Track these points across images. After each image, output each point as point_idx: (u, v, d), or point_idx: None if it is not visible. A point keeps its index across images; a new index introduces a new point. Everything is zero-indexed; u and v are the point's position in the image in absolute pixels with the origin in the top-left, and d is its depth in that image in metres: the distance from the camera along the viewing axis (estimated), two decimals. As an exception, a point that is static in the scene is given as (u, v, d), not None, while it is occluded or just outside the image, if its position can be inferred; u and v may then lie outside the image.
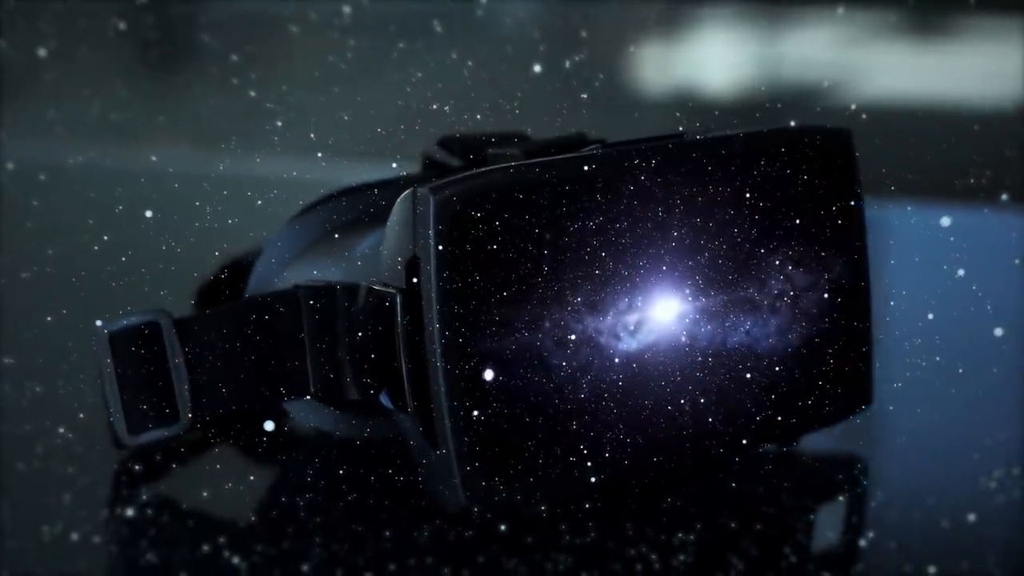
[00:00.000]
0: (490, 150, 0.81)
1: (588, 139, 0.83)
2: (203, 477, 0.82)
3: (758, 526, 0.74)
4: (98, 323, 0.77)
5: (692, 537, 0.73)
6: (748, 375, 0.77)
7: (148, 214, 1.00)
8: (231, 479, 0.82)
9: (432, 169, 0.87)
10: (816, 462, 0.82)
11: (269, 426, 0.81)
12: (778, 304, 0.78)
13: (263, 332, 0.76)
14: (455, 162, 0.85)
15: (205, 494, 0.80)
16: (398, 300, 0.71)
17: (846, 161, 0.81)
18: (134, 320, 0.77)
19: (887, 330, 0.84)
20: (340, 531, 0.73)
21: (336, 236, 0.83)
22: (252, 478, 0.82)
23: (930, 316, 0.98)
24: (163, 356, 0.77)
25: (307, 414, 0.82)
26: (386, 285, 0.72)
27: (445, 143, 0.87)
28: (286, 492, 0.80)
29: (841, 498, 0.79)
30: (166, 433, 0.78)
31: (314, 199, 0.85)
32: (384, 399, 0.74)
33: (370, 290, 0.73)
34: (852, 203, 0.81)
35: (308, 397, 0.77)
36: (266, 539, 0.73)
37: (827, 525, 0.76)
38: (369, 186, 0.85)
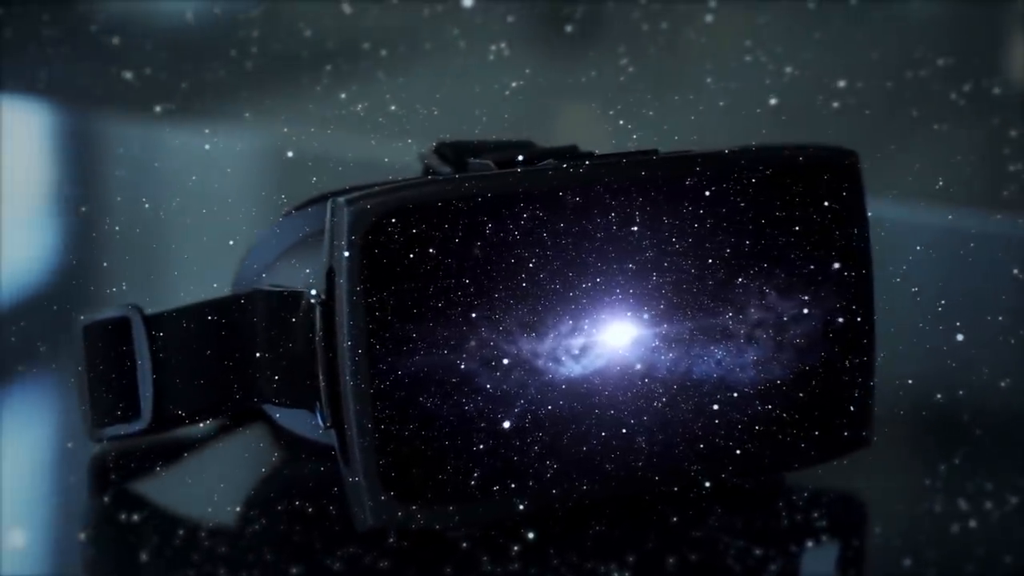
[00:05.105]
0: (469, 159, 0.78)
1: (579, 151, 0.80)
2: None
3: (692, 557, 0.70)
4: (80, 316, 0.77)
5: (627, 573, 0.69)
6: (711, 407, 0.73)
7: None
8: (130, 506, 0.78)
9: (427, 174, 0.84)
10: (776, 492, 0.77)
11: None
12: (755, 333, 0.74)
13: (222, 334, 0.75)
14: (446, 169, 0.83)
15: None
16: (317, 312, 0.69)
17: (849, 184, 0.76)
18: (106, 314, 0.77)
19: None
20: (249, 558, 0.71)
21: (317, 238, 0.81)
22: (151, 508, 0.78)
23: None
24: (131, 352, 0.77)
25: (287, 419, 0.81)
26: (319, 295, 0.70)
27: (439, 149, 0.84)
28: (189, 519, 0.76)
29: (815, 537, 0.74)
30: (128, 429, 0.77)
31: (310, 196, 0.83)
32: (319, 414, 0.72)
33: (308, 300, 0.71)
34: (854, 228, 0.76)
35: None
36: (168, 570, 0.70)
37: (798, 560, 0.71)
38: (363, 187, 0.83)
